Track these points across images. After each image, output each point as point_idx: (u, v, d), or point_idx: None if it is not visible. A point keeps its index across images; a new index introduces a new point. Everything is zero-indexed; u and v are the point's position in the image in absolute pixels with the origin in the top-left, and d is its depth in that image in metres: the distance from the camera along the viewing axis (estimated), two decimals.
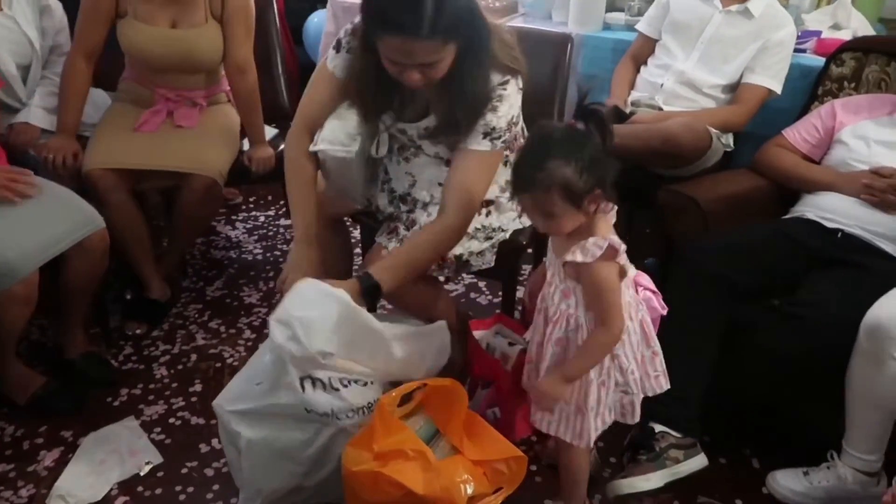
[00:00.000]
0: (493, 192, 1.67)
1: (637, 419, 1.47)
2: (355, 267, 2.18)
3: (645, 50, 2.42)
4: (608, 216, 1.36)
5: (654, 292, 1.43)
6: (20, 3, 2.09)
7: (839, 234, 1.79)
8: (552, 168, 1.24)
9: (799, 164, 1.99)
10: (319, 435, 1.47)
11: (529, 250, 1.94)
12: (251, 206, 3.11)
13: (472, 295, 2.48)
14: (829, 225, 1.81)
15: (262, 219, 3.00)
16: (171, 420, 1.91)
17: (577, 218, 1.30)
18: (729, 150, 2.24)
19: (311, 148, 1.64)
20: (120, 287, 2.33)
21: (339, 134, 1.62)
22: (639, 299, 1.42)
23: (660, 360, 1.45)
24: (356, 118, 1.62)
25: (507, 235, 1.75)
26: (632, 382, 1.42)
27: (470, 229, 1.64)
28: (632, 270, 1.40)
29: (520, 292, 2.02)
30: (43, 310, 1.85)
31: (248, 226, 2.96)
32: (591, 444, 1.46)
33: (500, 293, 2.21)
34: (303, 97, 1.69)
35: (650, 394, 1.47)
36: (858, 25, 2.61)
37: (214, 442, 1.82)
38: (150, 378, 2.07)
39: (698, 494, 1.70)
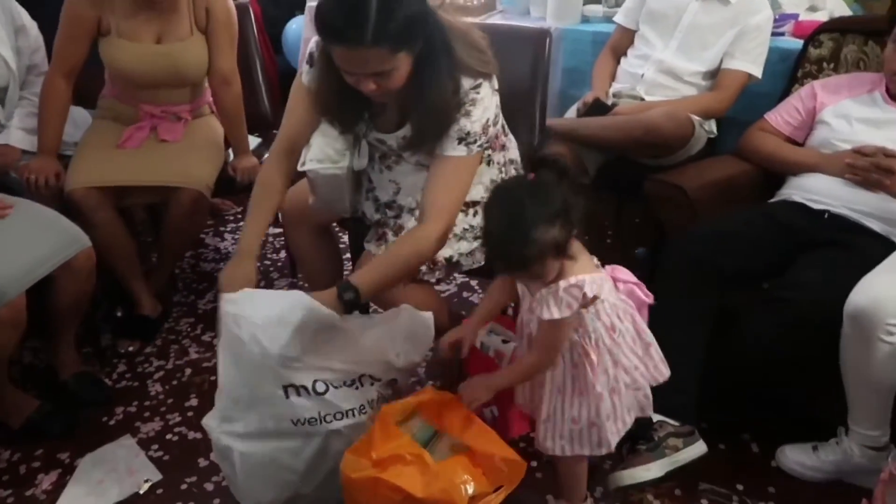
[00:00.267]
0: (478, 193, 1.66)
1: (653, 409, 1.48)
2: (346, 272, 2.18)
3: (624, 41, 2.42)
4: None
5: (635, 283, 1.42)
6: None
7: (826, 215, 1.80)
8: (539, 237, 1.21)
9: (782, 147, 2.00)
10: (311, 440, 1.46)
11: None
12: (239, 217, 3.09)
13: (465, 294, 2.48)
14: (815, 206, 1.82)
15: None
16: (168, 436, 1.90)
17: (560, 263, 1.28)
18: (712, 136, 2.25)
19: (300, 168, 1.62)
20: (110, 305, 2.31)
21: (327, 151, 1.61)
22: (625, 300, 1.40)
23: (655, 349, 1.45)
24: (339, 129, 1.61)
25: None
26: (639, 377, 1.43)
27: (458, 230, 1.64)
28: (602, 274, 1.38)
29: None
30: (34, 332, 1.84)
31: (236, 237, 2.94)
32: (613, 449, 1.46)
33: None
34: (283, 117, 1.68)
35: (655, 383, 1.47)
36: (835, 6, 2.62)
37: (213, 456, 1.80)
38: (144, 395, 2.05)
39: (699, 481, 1.70)
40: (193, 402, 2.02)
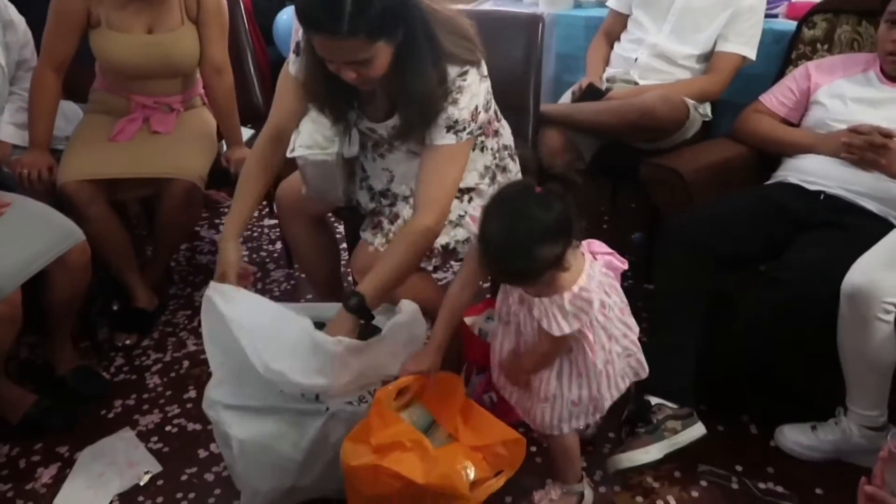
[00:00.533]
0: (472, 180, 1.66)
1: (647, 371, 1.49)
2: (343, 261, 2.18)
3: (617, 25, 2.41)
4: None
5: (610, 254, 1.42)
6: None
7: (822, 196, 1.80)
8: (541, 254, 1.19)
9: (777, 128, 2.00)
10: (310, 427, 1.46)
11: None
12: None
13: None
14: (811, 188, 1.82)
15: None
16: (168, 428, 1.90)
17: (559, 273, 1.27)
18: (707, 119, 2.24)
19: (289, 154, 1.62)
20: (106, 299, 2.31)
21: (316, 137, 1.60)
22: (607, 273, 1.39)
23: (628, 311, 1.46)
24: (331, 118, 1.61)
25: None
26: (629, 344, 1.45)
27: (453, 217, 1.64)
28: (589, 260, 1.37)
29: None
30: (30, 327, 1.84)
31: None
32: (605, 412, 1.48)
33: (489, 278, 2.21)
34: (272, 105, 1.68)
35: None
36: None
37: (213, 447, 1.81)
38: (143, 388, 2.05)
39: (699, 463, 1.71)
40: (192, 393, 2.02)
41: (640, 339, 1.48)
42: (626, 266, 1.42)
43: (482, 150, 1.66)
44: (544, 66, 2.14)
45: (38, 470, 1.78)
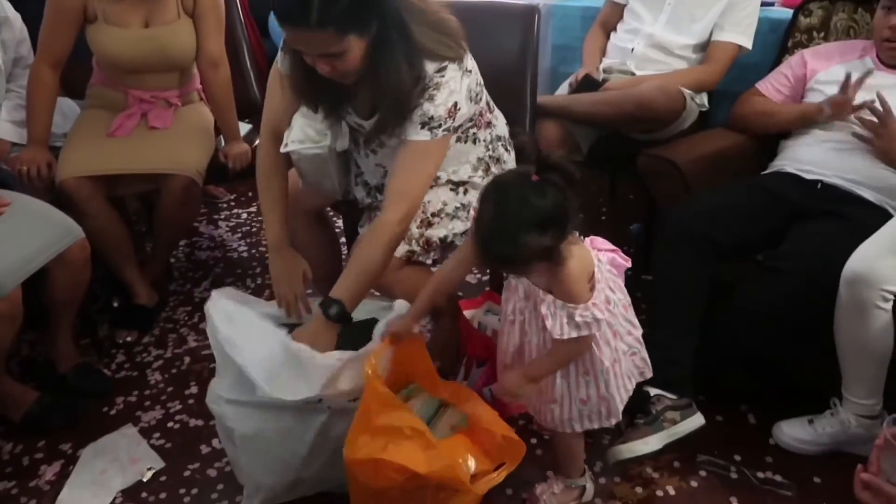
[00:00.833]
0: (465, 173, 1.66)
1: (652, 371, 1.49)
2: (343, 255, 2.18)
3: (613, 16, 2.41)
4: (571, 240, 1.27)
5: (613, 250, 1.42)
6: None
7: (819, 186, 1.80)
8: (527, 242, 1.17)
9: (767, 102, 2.01)
10: (312, 422, 1.47)
11: None
12: (232, 203, 3.09)
13: None
14: (808, 177, 1.82)
15: (244, 216, 2.99)
16: (170, 424, 1.91)
17: (549, 269, 1.25)
18: (704, 109, 2.24)
19: (282, 149, 1.62)
20: (106, 296, 2.31)
21: (308, 131, 1.60)
22: (611, 270, 1.39)
23: (631, 309, 1.46)
24: (321, 113, 1.61)
25: None
26: (633, 342, 1.44)
27: (450, 209, 1.64)
28: (594, 254, 1.37)
29: None
30: (31, 324, 1.84)
31: (230, 224, 2.94)
32: (621, 417, 1.47)
33: (488, 271, 2.21)
34: (265, 105, 1.69)
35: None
36: None
37: (215, 442, 1.82)
38: (144, 384, 2.06)
39: (698, 453, 1.72)
40: (193, 389, 2.03)
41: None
42: (629, 263, 1.41)
43: (474, 142, 1.66)
44: (540, 57, 2.14)
45: (42, 467, 1.79)
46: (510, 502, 1.63)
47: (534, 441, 1.76)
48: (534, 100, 2.04)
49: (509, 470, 1.43)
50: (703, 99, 2.23)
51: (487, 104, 1.67)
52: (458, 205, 1.66)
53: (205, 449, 1.82)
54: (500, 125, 1.74)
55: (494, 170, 1.70)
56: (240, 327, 1.48)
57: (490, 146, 1.69)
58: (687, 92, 2.13)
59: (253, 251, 2.74)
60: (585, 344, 1.33)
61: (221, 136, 2.30)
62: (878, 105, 1.73)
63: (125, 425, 1.90)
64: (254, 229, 2.89)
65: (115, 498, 1.69)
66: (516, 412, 1.78)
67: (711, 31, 2.19)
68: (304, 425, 1.47)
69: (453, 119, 1.49)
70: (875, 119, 1.74)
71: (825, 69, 1.95)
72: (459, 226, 1.66)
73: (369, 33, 1.38)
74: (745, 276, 1.73)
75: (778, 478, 1.67)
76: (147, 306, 2.28)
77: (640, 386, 1.63)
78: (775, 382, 1.89)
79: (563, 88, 2.35)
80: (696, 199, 1.85)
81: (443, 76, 1.46)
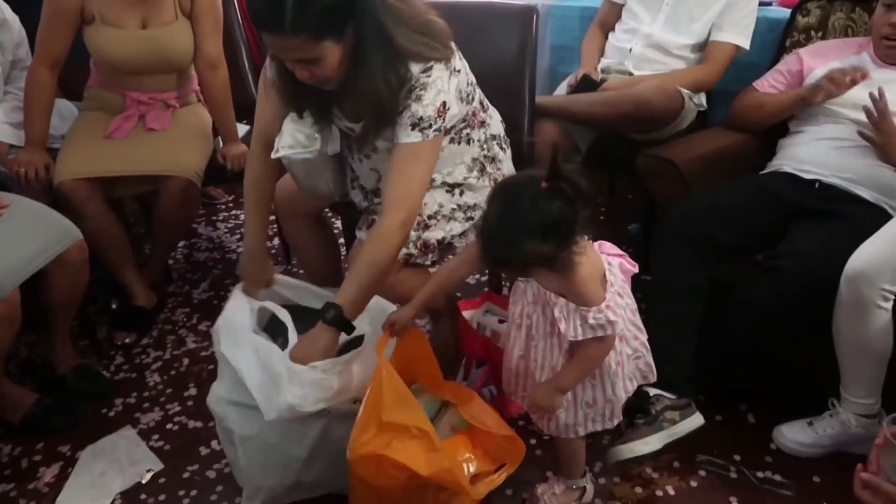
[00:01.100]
0: (460, 174, 1.65)
1: (656, 375, 1.49)
2: (343, 256, 2.18)
3: (612, 15, 2.41)
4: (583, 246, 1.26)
5: (621, 255, 1.42)
6: None
7: (817, 185, 1.80)
8: (526, 247, 1.18)
9: (769, 96, 2.01)
10: (312, 425, 1.47)
11: None
12: (230, 204, 3.08)
13: None
14: (806, 176, 1.82)
15: (242, 217, 2.98)
16: (169, 426, 1.91)
17: (551, 273, 1.25)
18: (702, 109, 2.24)
19: (273, 155, 1.61)
20: (104, 298, 2.31)
21: (297, 136, 1.59)
22: (621, 277, 1.39)
23: (637, 314, 1.45)
24: (311, 118, 1.60)
25: None
26: (639, 346, 1.44)
27: (446, 211, 1.64)
28: (605, 258, 1.37)
29: None
30: (30, 327, 1.84)
31: (229, 225, 2.94)
32: (622, 417, 1.48)
33: (487, 271, 2.21)
34: (255, 111, 1.69)
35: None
36: None
37: (214, 444, 1.82)
38: (143, 386, 2.06)
39: (697, 453, 1.72)
40: (192, 391, 2.03)
41: None
42: (636, 269, 1.41)
43: (468, 142, 1.65)
44: (539, 57, 2.14)
45: (41, 469, 1.78)
46: (510, 503, 1.63)
47: (533, 441, 1.76)
48: (532, 100, 2.04)
49: (510, 471, 1.43)
50: (702, 99, 2.23)
51: (481, 103, 1.67)
52: (455, 206, 1.65)
53: (204, 450, 1.82)
54: (495, 124, 1.74)
55: (490, 169, 1.69)
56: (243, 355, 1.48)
57: (485, 146, 1.68)
58: (685, 92, 2.13)
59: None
60: (608, 345, 1.32)
61: (220, 138, 2.30)
62: (877, 94, 1.72)
63: (124, 427, 1.90)
64: None
65: (114, 500, 1.69)
66: (515, 413, 1.78)
67: (710, 30, 2.19)
68: (304, 428, 1.47)
69: (443, 119, 1.48)
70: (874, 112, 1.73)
71: (821, 65, 1.95)
72: (457, 227, 1.66)
73: (346, 39, 1.38)
74: (744, 275, 1.73)
75: (777, 477, 1.67)
76: (146, 308, 2.27)
77: (639, 386, 1.64)
78: (775, 382, 1.89)
79: (562, 89, 2.35)
80: (695, 199, 1.85)
81: (429, 76, 1.45)
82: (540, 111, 2.09)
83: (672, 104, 2.09)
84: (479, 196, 1.67)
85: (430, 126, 1.47)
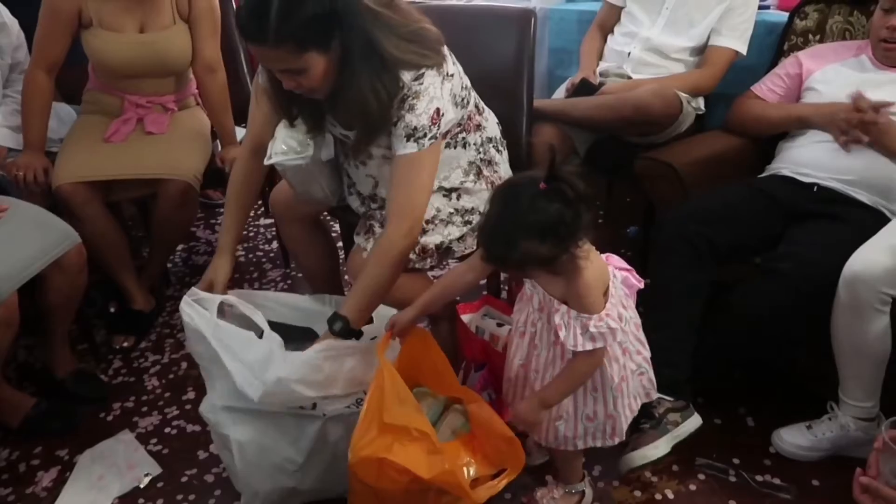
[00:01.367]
0: (457, 179, 1.65)
1: (657, 392, 1.49)
2: (341, 260, 2.17)
3: (611, 18, 2.41)
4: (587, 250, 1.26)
5: (627, 270, 1.42)
6: None
7: (815, 188, 1.80)
8: (523, 247, 1.18)
9: (769, 107, 2.01)
10: (307, 429, 1.46)
11: None
12: None
13: None
14: (804, 179, 1.82)
15: None
16: (167, 430, 1.91)
17: (556, 277, 1.26)
18: (701, 113, 2.24)
19: (266, 161, 1.61)
20: (103, 301, 2.31)
21: (289, 142, 1.59)
22: (624, 291, 1.39)
23: (641, 329, 1.45)
24: (304, 125, 1.60)
25: None
26: (642, 361, 1.44)
27: (444, 216, 1.64)
28: (610, 267, 1.37)
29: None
30: (28, 330, 1.83)
31: None
32: (625, 437, 1.47)
33: (486, 277, 2.21)
34: (248, 118, 1.69)
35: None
36: None
37: (212, 448, 1.81)
38: (141, 390, 2.06)
39: (696, 456, 1.72)
40: (190, 395, 2.03)
41: None
42: (642, 284, 1.41)
43: (464, 146, 1.64)
44: (537, 60, 2.14)
45: (38, 473, 1.78)
46: None
47: None
48: (530, 103, 2.03)
49: (510, 478, 1.42)
50: (700, 102, 2.24)
51: (476, 107, 1.67)
52: (452, 210, 1.65)
53: (202, 454, 1.82)
54: (491, 126, 1.73)
55: (486, 172, 1.69)
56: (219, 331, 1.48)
57: (481, 149, 1.68)
58: (683, 95, 2.13)
59: (250, 256, 2.73)
60: (598, 360, 1.32)
61: (218, 141, 2.30)
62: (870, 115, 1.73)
63: (122, 431, 1.90)
64: (250, 234, 2.89)
65: None
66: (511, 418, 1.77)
67: (709, 34, 2.19)
68: (299, 431, 1.47)
69: (438, 126, 1.48)
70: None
71: (821, 68, 1.95)
72: (455, 231, 1.66)
73: (333, 49, 1.37)
74: (742, 278, 1.73)
75: (777, 481, 1.67)
76: (144, 311, 2.27)
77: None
78: (774, 385, 1.89)
79: (560, 92, 2.35)
80: (693, 202, 1.85)
81: (421, 83, 1.44)
82: (538, 115, 2.09)
83: (670, 108, 2.09)
84: (476, 199, 1.67)
85: (426, 135, 1.46)
